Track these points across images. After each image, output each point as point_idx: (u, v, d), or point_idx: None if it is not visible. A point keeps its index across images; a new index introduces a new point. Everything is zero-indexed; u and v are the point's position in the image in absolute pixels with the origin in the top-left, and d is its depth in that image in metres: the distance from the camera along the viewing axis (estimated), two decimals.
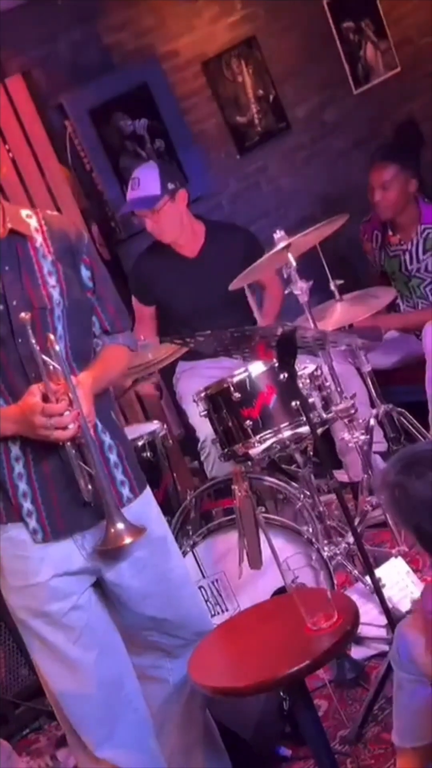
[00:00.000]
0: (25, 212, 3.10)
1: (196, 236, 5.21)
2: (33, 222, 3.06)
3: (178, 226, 5.11)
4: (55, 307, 2.98)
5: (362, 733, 3.55)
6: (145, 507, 3.14)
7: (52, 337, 2.92)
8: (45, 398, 2.87)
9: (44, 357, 2.89)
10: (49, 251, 3.03)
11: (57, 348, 2.91)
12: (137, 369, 4.64)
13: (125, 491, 3.08)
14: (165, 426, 4.77)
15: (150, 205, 5.00)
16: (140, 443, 4.52)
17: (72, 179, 5.97)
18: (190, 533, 4.29)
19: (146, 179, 5.01)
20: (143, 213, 5.07)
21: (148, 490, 3.18)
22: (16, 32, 5.69)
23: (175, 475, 4.76)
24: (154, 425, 4.76)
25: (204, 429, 4.74)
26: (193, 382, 5.02)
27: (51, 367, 2.90)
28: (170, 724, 3.29)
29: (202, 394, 4.31)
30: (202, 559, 4.21)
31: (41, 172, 5.72)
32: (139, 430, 4.69)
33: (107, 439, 3.07)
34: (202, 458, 5.02)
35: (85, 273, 3.11)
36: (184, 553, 4.16)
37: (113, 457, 3.08)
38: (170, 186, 4.99)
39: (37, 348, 2.89)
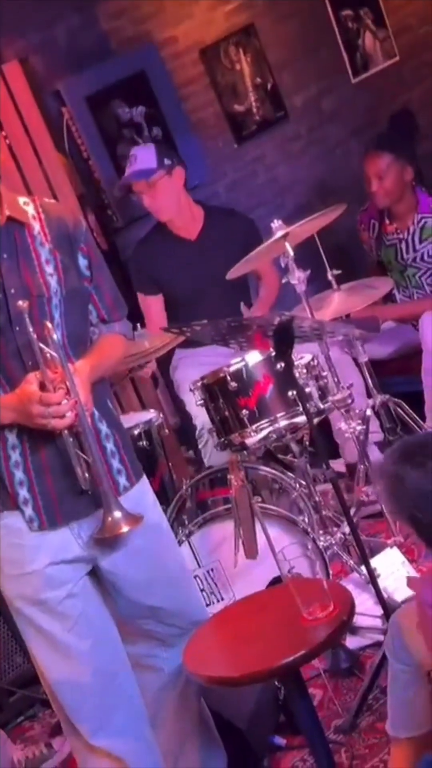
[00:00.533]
0: (22, 200, 3.09)
1: (195, 219, 5.25)
2: (30, 209, 3.05)
3: (175, 203, 5.15)
4: (53, 296, 2.98)
5: (357, 722, 3.56)
6: (141, 496, 3.14)
7: (49, 325, 2.91)
8: (42, 387, 2.87)
9: (41, 345, 2.89)
10: (47, 239, 3.02)
11: (54, 336, 2.90)
12: (134, 357, 4.64)
13: (122, 480, 3.08)
14: (161, 415, 4.76)
15: (145, 177, 5.06)
16: (136, 432, 4.51)
17: (69, 166, 5.96)
18: (186, 522, 4.28)
19: (142, 155, 5.12)
20: (140, 187, 5.12)
21: (144, 479, 3.18)
22: (14, 18, 5.66)
23: (170, 464, 4.76)
24: (151, 414, 4.75)
25: (201, 417, 4.74)
26: (190, 370, 5.02)
27: (48, 355, 2.89)
28: (165, 713, 3.29)
29: (199, 383, 4.30)
30: (198, 548, 4.21)
31: (38, 159, 5.70)
32: (135, 419, 4.69)
33: (104, 428, 3.07)
34: (200, 447, 5.03)
35: (83, 261, 3.10)
36: (180, 542, 4.15)
37: (110, 446, 3.07)
38: (166, 161, 5.08)
39: (35, 336, 2.88)
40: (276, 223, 4.18)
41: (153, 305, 5.30)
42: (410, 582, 3.15)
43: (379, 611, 3.77)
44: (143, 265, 5.32)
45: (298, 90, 6.91)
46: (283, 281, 4.24)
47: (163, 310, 5.29)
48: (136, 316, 5.29)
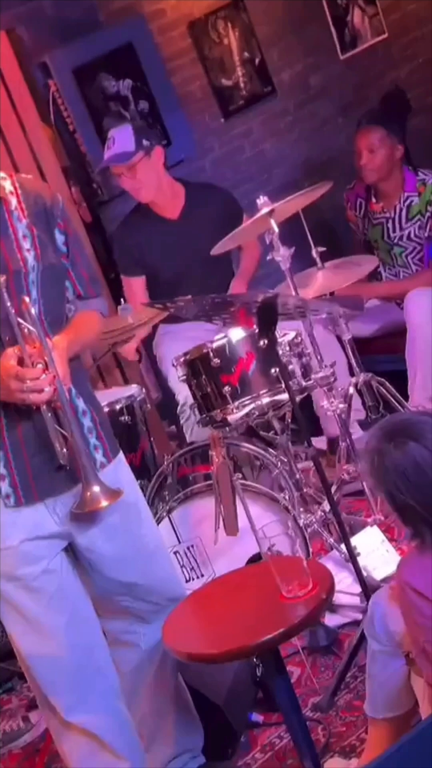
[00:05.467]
0: None
1: (177, 197, 5.20)
2: (7, 185, 3.03)
3: (155, 184, 5.10)
4: (30, 271, 2.96)
5: (334, 700, 3.57)
6: (118, 472, 3.13)
7: (27, 299, 2.89)
8: (20, 362, 2.85)
9: (19, 320, 2.87)
10: (24, 214, 3.00)
11: (32, 311, 2.88)
12: (117, 332, 4.62)
13: (99, 456, 3.07)
14: (143, 390, 4.75)
15: (124, 160, 5.00)
16: (118, 407, 4.49)
17: (55, 139, 5.92)
18: (167, 498, 4.28)
19: (120, 137, 5.03)
20: (119, 170, 5.07)
21: (121, 456, 3.17)
22: None
23: (152, 439, 4.74)
24: (133, 389, 4.73)
25: (184, 393, 4.73)
26: (174, 345, 5.00)
27: (26, 330, 2.88)
28: (142, 689, 3.30)
29: (182, 359, 4.29)
30: (178, 524, 4.20)
31: (24, 131, 5.67)
32: (117, 394, 4.67)
33: (81, 404, 3.05)
34: (182, 422, 5.02)
35: (60, 237, 3.08)
36: (160, 518, 4.16)
37: (87, 422, 3.06)
38: (145, 142, 5.01)
39: (13, 311, 2.86)
40: (261, 200, 4.15)
41: (136, 286, 5.26)
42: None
43: (359, 590, 3.78)
44: (127, 247, 5.27)
45: (286, 65, 6.87)
46: (268, 258, 4.22)
47: (146, 291, 5.26)
48: (121, 291, 5.28)
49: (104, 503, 2.95)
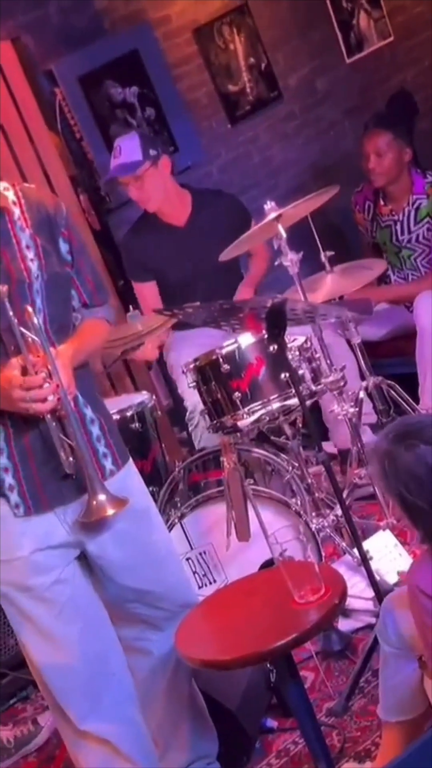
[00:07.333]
0: (2, 185, 3.06)
1: (183, 204, 5.19)
2: (10, 195, 3.03)
3: (162, 193, 5.09)
4: (34, 281, 2.96)
5: (348, 705, 3.55)
6: (127, 479, 3.13)
7: (30, 309, 2.89)
8: (24, 371, 2.85)
9: (23, 329, 2.87)
10: (27, 224, 3.01)
11: (35, 320, 2.89)
12: (126, 339, 4.61)
13: (108, 464, 3.07)
14: (154, 396, 4.75)
15: (132, 170, 4.99)
16: (129, 414, 4.49)
17: (62, 147, 5.93)
18: (178, 504, 4.27)
19: (127, 147, 5.01)
20: (126, 180, 5.06)
21: (130, 463, 3.17)
22: None
23: (163, 445, 4.74)
24: (143, 396, 4.73)
25: (192, 399, 4.73)
26: (184, 352, 5.00)
27: (30, 339, 2.88)
28: (155, 696, 3.30)
29: (191, 365, 4.29)
30: (190, 530, 4.20)
31: (31, 140, 5.67)
32: (127, 401, 4.67)
33: (89, 412, 3.05)
34: (191, 429, 5.02)
35: (64, 246, 3.08)
36: (172, 525, 4.16)
37: (95, 430, 3.06)
38: (152, 152, 4.99)
39: (15, 321, 2.86)
40: (269, 205, 4.16)
41: (147, 291, 5.26)
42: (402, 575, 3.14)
43: (372, 594, 3.77)
44: (135, 255, 5.27)
45: (292, 70, 6.88)
46: (276, 263, 4.22)
47: (158, 295, 5.26)
48: (130, 298, 5.29)
49: (110, 512, 2.95)
